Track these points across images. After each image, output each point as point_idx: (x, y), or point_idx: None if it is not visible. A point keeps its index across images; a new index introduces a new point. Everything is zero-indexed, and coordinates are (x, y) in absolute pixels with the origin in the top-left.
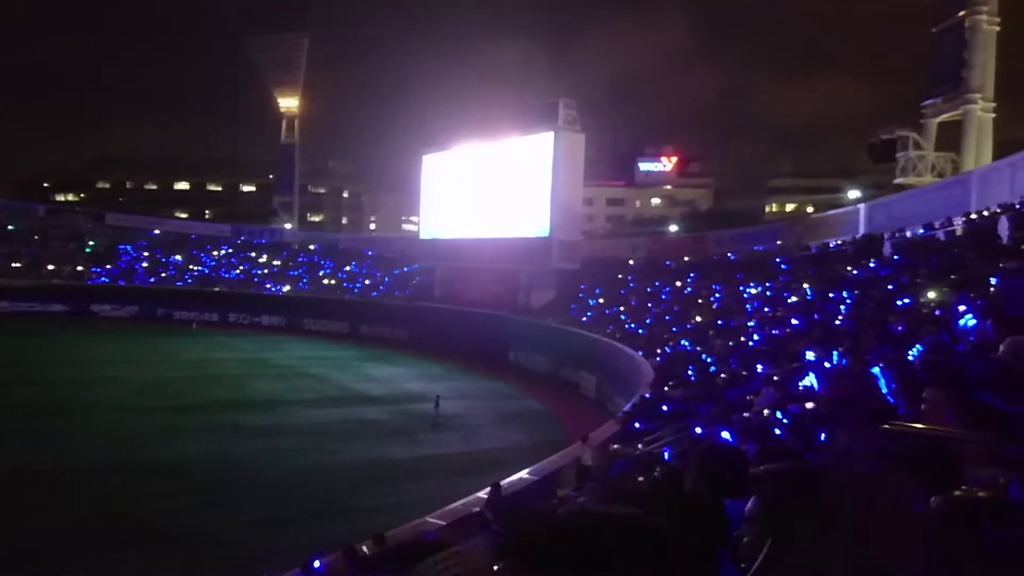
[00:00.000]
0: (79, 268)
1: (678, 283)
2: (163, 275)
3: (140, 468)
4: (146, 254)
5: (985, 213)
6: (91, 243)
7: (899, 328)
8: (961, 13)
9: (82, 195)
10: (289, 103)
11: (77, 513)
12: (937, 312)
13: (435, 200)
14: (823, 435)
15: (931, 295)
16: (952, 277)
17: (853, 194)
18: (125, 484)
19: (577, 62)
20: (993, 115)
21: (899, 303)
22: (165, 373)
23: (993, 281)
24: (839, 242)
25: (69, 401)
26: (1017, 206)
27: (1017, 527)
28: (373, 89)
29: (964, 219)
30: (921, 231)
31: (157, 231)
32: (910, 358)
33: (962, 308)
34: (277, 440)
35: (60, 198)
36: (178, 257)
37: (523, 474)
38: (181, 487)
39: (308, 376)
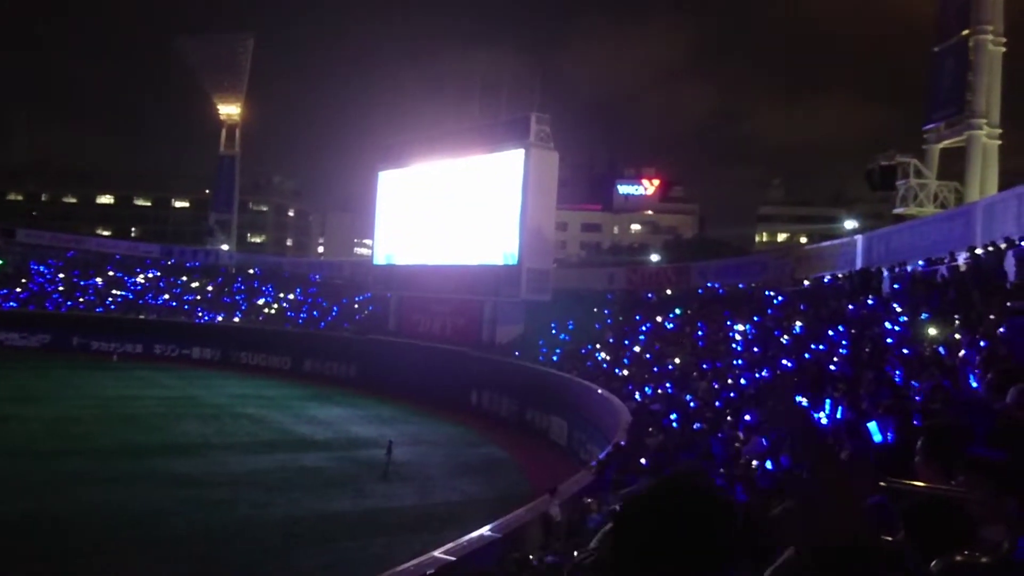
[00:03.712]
0: None
1: (659, 318)
2: (80, 300)
3: (38, 524)
4: (61, 276)
5: (991, 248)
6: None
7: (898, 372)
8: (965, 32)
9: None
10: (230, 110)
11: None
12: (942, 351)
13: (392, 222)
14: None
15: (933, 336)
16: (956, 318)
17: (849, 224)
18: (17, 544)
19: (552, 74)
20: (999, 142)
21: (896, 344)
22: (77, 412)
23: (998, 322)
24: (834, 276)
25: None
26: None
27: None
28: (325, 98)
29: (968, 254)
30: (922, 266)
31: (75, 250)
32: (909, 406)
33: (962, 353)
34: (204, 490)
35: None
36: (98, 280)
37: (484, 531)
38: (88, 545)
39: (242, 417)
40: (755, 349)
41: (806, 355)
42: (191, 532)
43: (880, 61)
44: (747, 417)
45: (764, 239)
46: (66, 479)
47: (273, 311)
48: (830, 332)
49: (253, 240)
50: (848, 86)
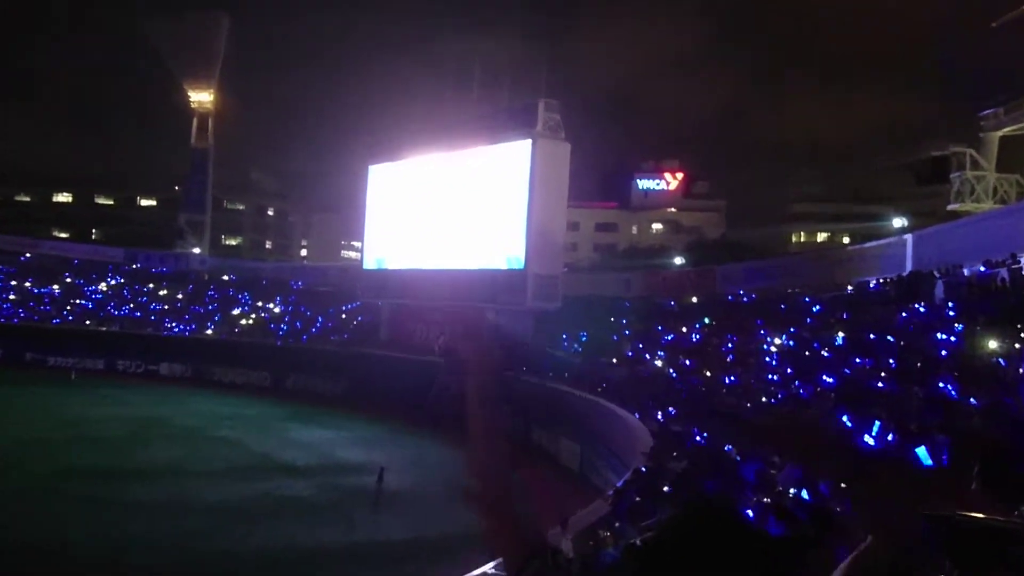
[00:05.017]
0: None
1: (683, 329)
2: (35, 310)
3: None
4: (14, 283)
5: None
6: None
7: (952, 388)
8: None
9: None
10: (202, 97)
11: None
12: (1001, 364)
13: (383, 222)
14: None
15: (991, 348)
16: (1018, 327)
17: (896, 223)
18: None
19: (563, 59)
20: None
21: (949, 357)
22: (32, 434)
23: None
24: (879, 281)
25: None
26: None
27: None
28: (307, 86)
29: None
30: (980, 269)
31: (29, 254)
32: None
33: None
34: (175, 520)
35: None
36: (55, 288)
37: (486, 568)
38: None
39: (216, 440)
40: (788, 370)
41: (847, 371)
42: (163, 565)
43: (924, 45)
44: None
45: (802, 239)
46: (17, 508)
47: (251, 322)
48: (870, 344)
49: (228, 243)
50: (891, 70)
